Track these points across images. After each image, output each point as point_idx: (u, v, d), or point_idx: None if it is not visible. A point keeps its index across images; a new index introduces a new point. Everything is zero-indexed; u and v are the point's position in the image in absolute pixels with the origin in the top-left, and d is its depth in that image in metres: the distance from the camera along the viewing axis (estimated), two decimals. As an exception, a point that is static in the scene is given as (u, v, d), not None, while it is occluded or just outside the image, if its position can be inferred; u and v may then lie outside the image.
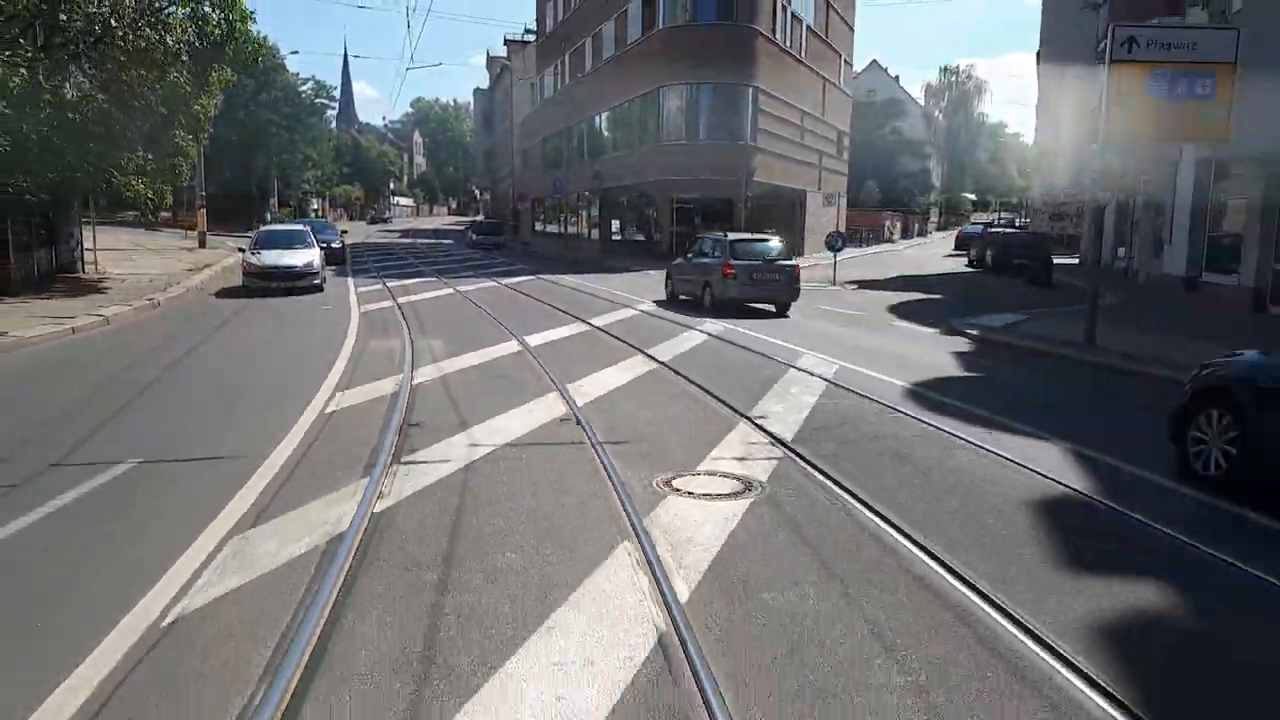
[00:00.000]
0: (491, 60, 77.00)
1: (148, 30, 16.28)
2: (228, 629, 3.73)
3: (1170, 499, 6.06)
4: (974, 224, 63.88)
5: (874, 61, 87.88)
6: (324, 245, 23.27)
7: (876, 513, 5.31)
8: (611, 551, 4.64)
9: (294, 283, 19.27)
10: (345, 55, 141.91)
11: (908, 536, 4.90)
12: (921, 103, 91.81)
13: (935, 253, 50.18)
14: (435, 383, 9.40)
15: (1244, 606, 4.38)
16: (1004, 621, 3.88)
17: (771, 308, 17.94)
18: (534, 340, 12.46)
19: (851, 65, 50.97)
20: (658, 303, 18.92)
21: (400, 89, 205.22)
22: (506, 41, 63.63)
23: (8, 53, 14.51)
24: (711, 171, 33.22)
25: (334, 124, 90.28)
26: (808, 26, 39.38)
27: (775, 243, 18.83)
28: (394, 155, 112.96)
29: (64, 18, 15.76)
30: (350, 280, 23.49)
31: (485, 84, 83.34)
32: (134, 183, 17.24)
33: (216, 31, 18.30)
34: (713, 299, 17.73)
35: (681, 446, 6.85)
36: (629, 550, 4.65)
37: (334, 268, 25.65)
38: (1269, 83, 15.23)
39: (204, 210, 34.47)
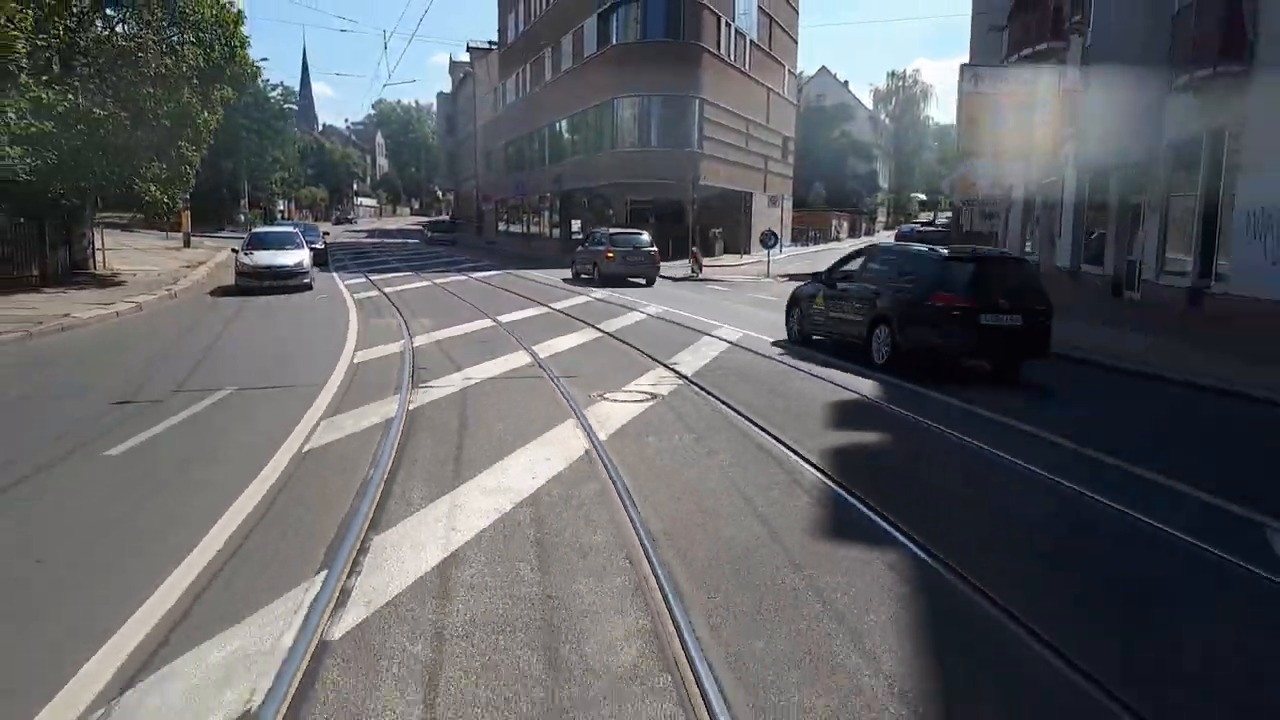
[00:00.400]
0: (455, 65, 79.39)
1: (164, 56, 18.89)
2: (342, 453, 6.63)
3: (881, 383, 9.18)
4: (910, 224, 67.74)
5: (823, 68, 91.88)
6: (310, 246, 25.33)
7: (729, 405, 8.36)
8: (562, 423, 7.61)
9: (285, 281, 20.61)
10: (304, 57, 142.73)
11: (743, 415, 7.95)
12: (870, 107, 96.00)
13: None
14: (430, 345, 12.29)
15: (906, 431, 7.49)
16: (782, 446, 6.92)
17: (643, 281, 24.88)
18: (504, 319, 15.39)
19: (795, 75, 54.40)
20: (604, 291, 21.93)
21: (372, 98, 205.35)
22: (470, 48, 66.12)
23: (44, 76, 17.09)
24: (662, 175, 36.30)
25: (296, 127, 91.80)
26: (751, 41, 42.67)
27: (645, 236, 25.86)
28: (357, 157, 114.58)
29: (81, 42, 18.30)
30: (335, 275, 26.14)
31: (448, 87, 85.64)
32: (152, 189, 19.80)
33: (219, 57, 20.92)
34: (600, 274, 24.59)
35: (613, 379, 9.84)
36: (572, 422, 7.63)
37: (317, 267, 28.12)
38: (1106, 106, 18.69)
39: (188, 212, 36.67)
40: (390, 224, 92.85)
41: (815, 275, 13.69)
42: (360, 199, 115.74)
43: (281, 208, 78.02)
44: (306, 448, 6.71)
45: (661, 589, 4.09)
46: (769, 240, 28.73)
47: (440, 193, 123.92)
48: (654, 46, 36.56)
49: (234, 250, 22.83)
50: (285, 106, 67.85)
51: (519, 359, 11.10)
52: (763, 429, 7.44)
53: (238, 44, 21.05)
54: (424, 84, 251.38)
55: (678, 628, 3.70)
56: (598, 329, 14.27)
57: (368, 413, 7.91)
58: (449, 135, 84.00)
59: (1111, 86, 18.45)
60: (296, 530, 4.90)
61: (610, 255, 24.56)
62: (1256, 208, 14.63)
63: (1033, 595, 4.18)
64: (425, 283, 24.15)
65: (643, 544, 4.67)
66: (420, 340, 12.66)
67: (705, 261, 32.10)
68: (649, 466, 6.33)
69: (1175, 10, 17.83)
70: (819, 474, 6.20)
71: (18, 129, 15.16)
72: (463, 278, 26.28)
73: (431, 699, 3.20)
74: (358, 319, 15.49)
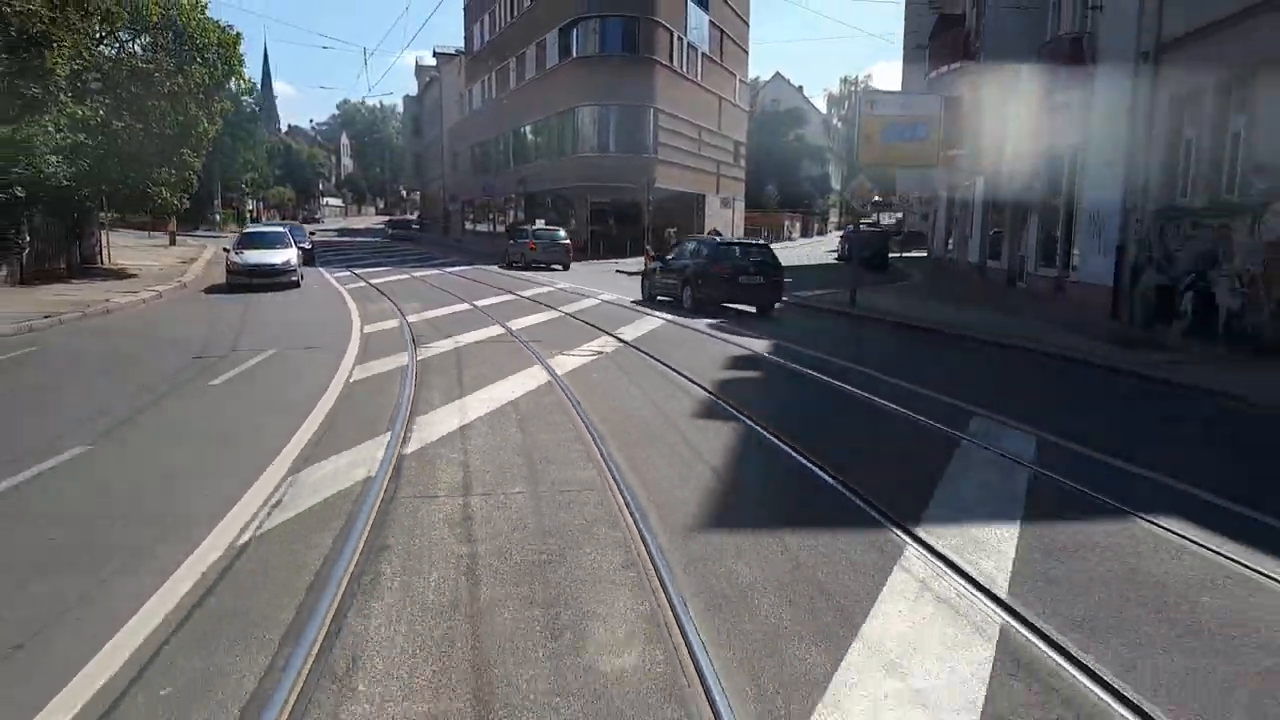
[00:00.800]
0: (421, 69, 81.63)
1: (174, 75, 21.46)
2: (378, 382, 9.49)
3: (690, 319, 12.26)
4: (850, 225, 71.19)
5: (778, 74, 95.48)
6: (298, 246, 26.74)
7: (656, 359, 11.38)
8: (530, 367, 10.55)
9: (274, 279, 21.46)
10: (265, 56, 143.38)
11: (665, 364, 10.97)
12: (824, 111, 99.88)
13: (823, 249, 57.22)
14: (422, 322, 15.15)
15: (701, 338, 10.56)
16: (684, 380, 9.93)
17: (559, 266, 32.01)
18: (480, 304, 18.28)
19: (747, 83, 57.65)
20: (567, 280, 24.86)
21: (337, 99, 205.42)
22: (436, 53, 68.49)
23: (72, 93, 19.59)
24: (620, 179, 39.29)
25: (264, 128, 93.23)
26: (703, 54, 45.84)
27: (561, 231, 33.77)
28: (322, 157, 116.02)
29: (102, 62, 20.81)
30: (322, 270, 28.77)
31: (414, 90, 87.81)
32: (163, 192, 22.34)
33: (219, 74, 23.49)
34: (525, 261, 31.86)
35: (569, 342, 12.79)
36: (538, 367, 10.57)
37: (306, 265, 30.46)
38: (995, 120, 22.07)
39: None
40: (357, 223, 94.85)
41: (657, 257, 21.95)
42: (326, 199, 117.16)
43: (251, 208, 79.73)
44: (351, 379, 9.60)
45: (594, 438, 7.04)
46: (714, 239, 31.73)
47: (405, 192, 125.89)
48: (612, 59, 39.54)
49: (225, 249, 23.61)
50: (257, 109, 69.72)
51: (495, 330, 14.02)
52: (673, 369, 10.48)
53: (236, 63, 23.63)
54: (389, 84, 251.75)
55: (601, 451, 6.64)
56: (558, 310, 17.24)
57: (387, 362, 10.79)
58: (415, 137, 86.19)
59: (998, 102, 21.80)
60: (364, 416, 7.78)
61: (533, 246, 32.16)
62: (1095, 210, 18.01)
63: (777, 420, 7.23)
64: (405, 275, 26.90)
65: (585, 421, 7.63)
66: (413, 318, 15.52)
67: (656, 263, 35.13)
68: (601, 396, 9.33)
69: (1047, 37, 21.28)
70: (684, 378, 9.24)
71: (60, 141, 17.70)
72: (437, 271, 29.07)
73: (466, 475, 6.13)
74: (355, 304, 18.27)
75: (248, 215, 71.79)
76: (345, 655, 3.51)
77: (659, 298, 19.71)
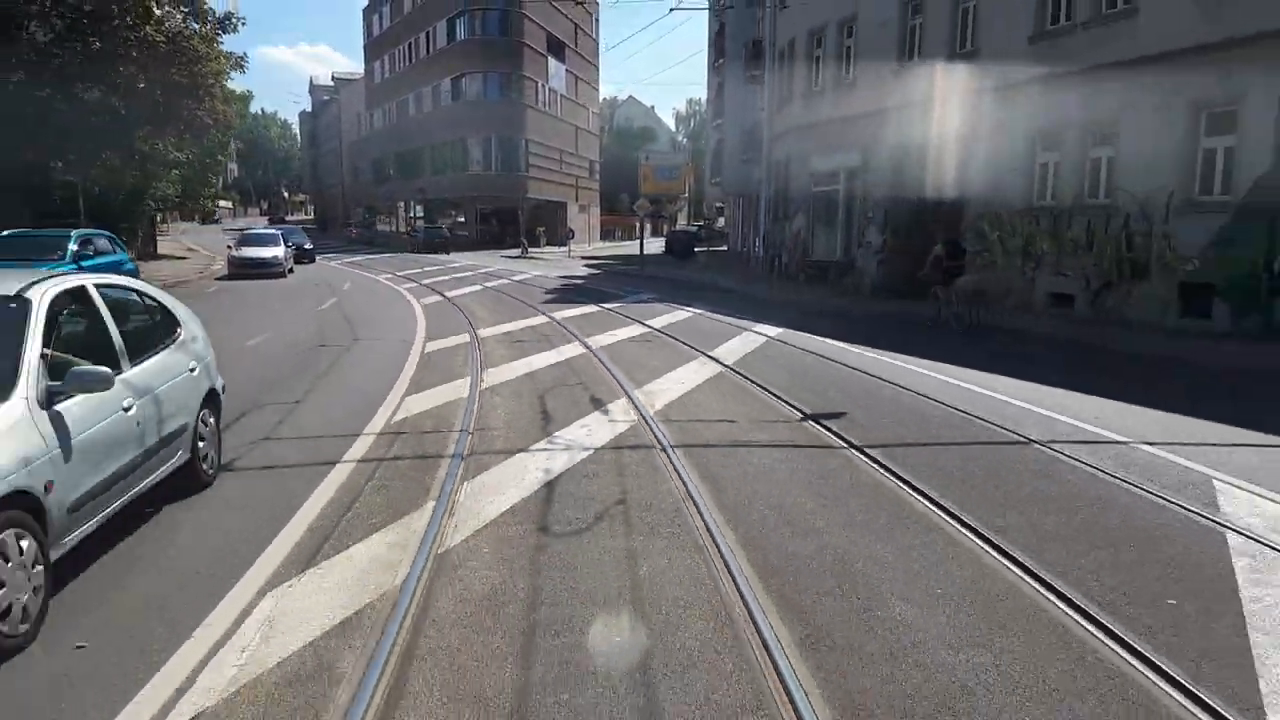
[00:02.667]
0: (316, 88, 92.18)
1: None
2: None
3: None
4: (683, 227, 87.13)
5: (631, 96, 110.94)
6: (296, 246, 34.20)
7: (514, 295, 25.49)
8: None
9: (267, 270, 27.28)
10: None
11: (518, 293, 25.11)
12: (673, 128, 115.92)
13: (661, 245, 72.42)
14: (396, 280, 28.66)
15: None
16: (522, 301, 24.09)
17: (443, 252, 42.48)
18: (425, 281, 31.79)
19: (597, 113, 72.25)
20: (460, 260, 38.55)
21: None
22: (335, 78, 79.83)
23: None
24: (500, 191, 52.96)
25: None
26: (561, 95, 60.09)
27: (444, 228, 47.02)
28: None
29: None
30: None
31: (309, 106, 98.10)
32: (210, 203, 34.67)
33: (235, 116, 35.85)
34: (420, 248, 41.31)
35: (516, 312, 26.63)
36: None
37: (307, 260, 40.91)
38: (731, 159, 37.30)
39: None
40: (257, 222, 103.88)
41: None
42: (219, 200, 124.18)
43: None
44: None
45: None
46: (566, 237, 46.09)
47: (287, 194, 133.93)
48: (493, 102, 53.22)
49: (228, 246, 33.27)
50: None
51: (475, 288, 27.75)
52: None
53: (243, 110, 36.04)
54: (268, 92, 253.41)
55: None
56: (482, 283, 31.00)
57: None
58: (311, 147, 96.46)
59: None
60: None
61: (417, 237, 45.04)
62: (870, 208, 33.16)
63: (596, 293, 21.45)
64: (359, 258, 39.88)
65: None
66: (388, 280, 29.02)
67: (532, 250, 49.04)
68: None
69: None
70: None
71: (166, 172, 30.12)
72: (382, 256, 42.16)
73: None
74: (357, 273, 31.45)
75: (155, 217, 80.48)
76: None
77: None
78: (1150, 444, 7.22)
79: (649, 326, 16.08)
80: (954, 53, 20.31)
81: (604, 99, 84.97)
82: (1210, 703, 3.30)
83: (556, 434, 7.78)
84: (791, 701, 3.31)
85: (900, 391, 9.59)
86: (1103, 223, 16.33)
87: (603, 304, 20.24)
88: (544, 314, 18.68)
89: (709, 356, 12.21)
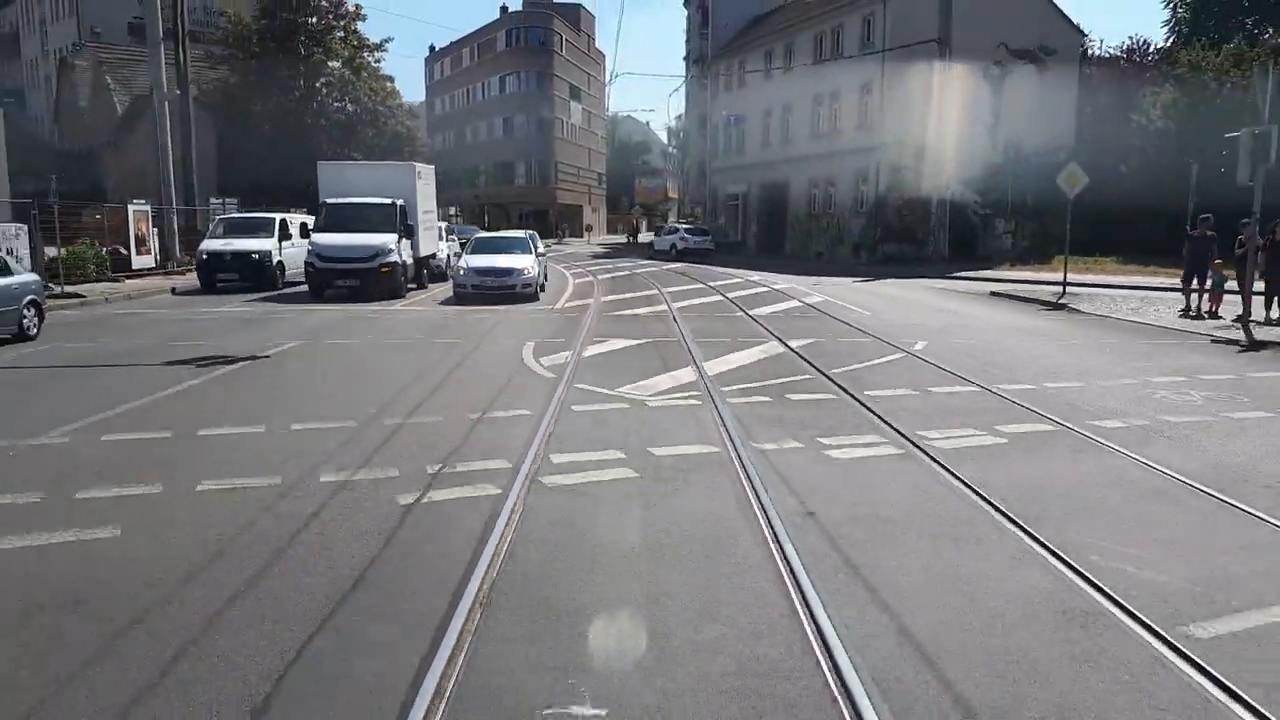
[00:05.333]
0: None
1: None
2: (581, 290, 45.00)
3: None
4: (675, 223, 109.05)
5: (629, 115, 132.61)
6: None
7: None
8: (605, 270, 46.48)
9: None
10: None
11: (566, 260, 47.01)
12: (665, 141, 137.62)
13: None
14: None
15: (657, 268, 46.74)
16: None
17: None
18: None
19: (605, 140, 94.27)
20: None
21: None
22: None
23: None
24: (537, 198, 74.82)
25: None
26: (579, 127, 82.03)
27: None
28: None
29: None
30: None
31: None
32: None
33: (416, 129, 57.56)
34: None
35: (577, 263, 48.59)
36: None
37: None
38: (694, 181, 59.24)
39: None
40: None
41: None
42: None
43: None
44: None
45: (675, 321, 39.23)
46: (585, 230, 67.82)
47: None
48: (532, 135, 75.17)
49: None
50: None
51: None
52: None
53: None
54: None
55: (674, 320, 42.11)
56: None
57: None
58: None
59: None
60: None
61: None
62: (750, 212, 55.13)
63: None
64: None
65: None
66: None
67: (558, 241, 70.91)
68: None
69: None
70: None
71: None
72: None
73: (602, 280, 42.00)
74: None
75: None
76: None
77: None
78: (776, 282, 29.08)
79: (636, 268, 38.06)
80: (807, 137, 42.34)
81: (608, 116, 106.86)
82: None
83: (604, 283, 29.85)
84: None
85: (713, 270, 31.46)
86: (835, 222, 38.38)
87: (615, 260, 42.13)
88: (588, 268, 40.48)
89: (650, 273, 34.25)
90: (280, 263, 23.51)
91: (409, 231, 22.41)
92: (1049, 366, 11.26)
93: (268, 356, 11.84)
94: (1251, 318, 14.74)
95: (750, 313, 18.05)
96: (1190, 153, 27.05)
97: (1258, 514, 5.55)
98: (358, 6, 47.15)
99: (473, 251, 22.83)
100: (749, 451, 6.81)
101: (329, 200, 22.05)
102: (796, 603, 4.17)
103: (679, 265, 37.32)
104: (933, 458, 6.73)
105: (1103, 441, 7.29)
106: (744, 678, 3.55)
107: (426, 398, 9.08)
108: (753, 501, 5.61)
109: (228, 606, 4.16)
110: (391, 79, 50.80)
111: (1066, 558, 4.73)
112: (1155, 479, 6.33)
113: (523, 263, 21.83)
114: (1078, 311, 18.08)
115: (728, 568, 4.63)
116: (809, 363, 11.43)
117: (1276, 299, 15.50)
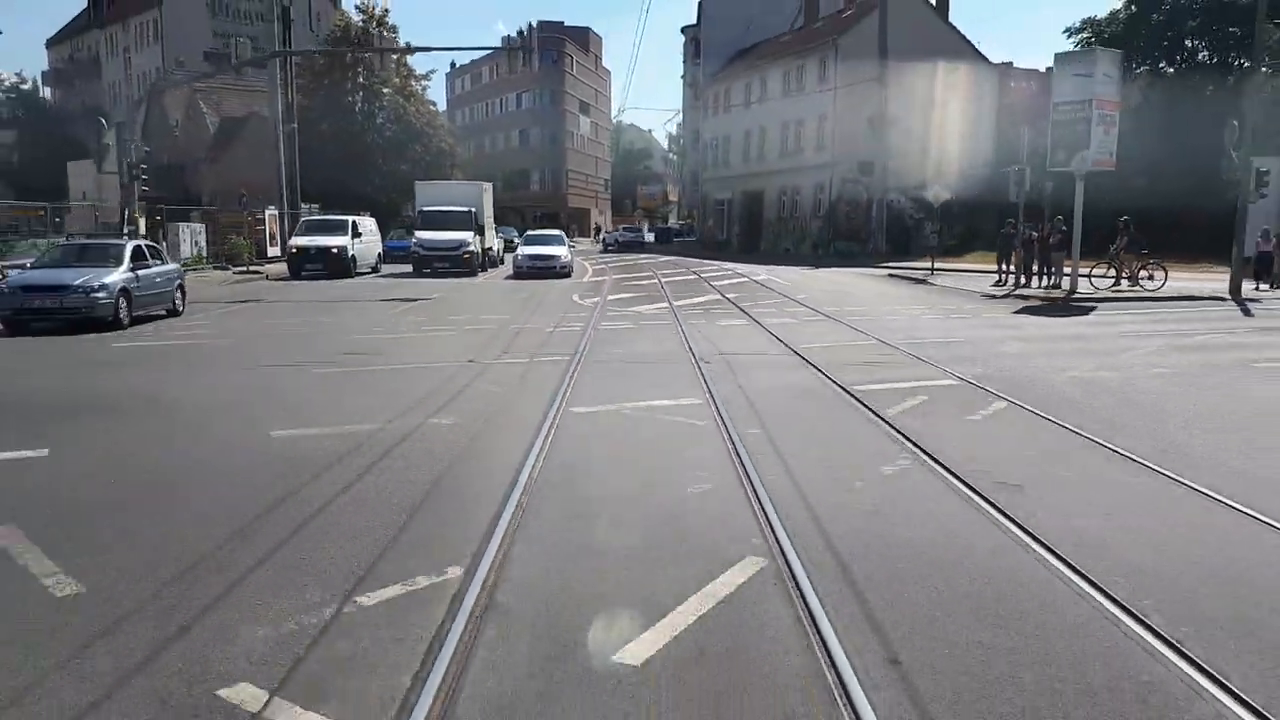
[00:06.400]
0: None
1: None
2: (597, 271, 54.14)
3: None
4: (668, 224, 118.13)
5: (633, 124, 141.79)
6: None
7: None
8: (611, 264, 55.65)
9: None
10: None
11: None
12: (665, 147, 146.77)
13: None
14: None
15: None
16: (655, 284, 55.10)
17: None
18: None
19: (610, 148, 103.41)
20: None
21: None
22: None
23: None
24: (550, 203, 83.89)
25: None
26: (587, 138, 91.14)
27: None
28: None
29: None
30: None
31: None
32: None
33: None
34: None
35: (590, 258, 57.69)
36: (612, 264, 55.63)
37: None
38: (689, 188, 68.29)
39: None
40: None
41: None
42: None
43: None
44: (589, 276, 54.57)
45: (662, 287, 51.69)
46: (594, 230, 76.89)
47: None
48: (546, 146, 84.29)
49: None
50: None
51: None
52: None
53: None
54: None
55: (661, 287, 51.48)
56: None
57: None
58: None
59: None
60: (597, 290, 52.15)
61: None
62: (733, 215, 64.10)
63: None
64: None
65: (662, 286, 52.24)
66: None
67: (569, 241, 79.98)
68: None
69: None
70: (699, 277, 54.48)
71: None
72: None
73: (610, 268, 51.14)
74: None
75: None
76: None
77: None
78: (756, 274, 38.10)
79: (638, 259, 47.18)
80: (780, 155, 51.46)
81: (613, 123, 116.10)
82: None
83: (613, 269, 39.05)
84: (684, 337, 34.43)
85: (701, 263, 40.52)
86: (799, 224, 47.44)
87: (619, 254, 51.15)
88: (600, 259, 49.49)
89: (648, 262, 43.42)
90: (353, 256, 29.15)
91: (480, 230, 31.35)
92: (865, 304, 20.20)
93: (432, 299, 20.92)
94: (1026, 286, 23.69)
95: (711, 284, 26.91)
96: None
97: (894, 345, 14.49)
98: (408, 43, 56.26)
99: (525, 244, 31.53)
100: (687, 326, 15.81)
101: (425, 208, 31.12)
102: (698, 371, 13.16)
103: (674, 255, 46.25)
104: (765, 327, 15.72)
105: (848, 324, 16.26)
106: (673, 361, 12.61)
107: (528, 318, 18.05)
108: (685, 343, 14.59)
109: (443, 409, 13.18)
110: (435, 103, 59.99)
111: (822, 370, 13.72)
112: (867, 340, 15.31)
113: (560, 251, 30.62)
114: (927, 284, 27.03)
115: (673, 352, 13.62)
116: (729, 300, 20.48)
117: (1045, 275, 24.42)
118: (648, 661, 3.55)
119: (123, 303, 15.57)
